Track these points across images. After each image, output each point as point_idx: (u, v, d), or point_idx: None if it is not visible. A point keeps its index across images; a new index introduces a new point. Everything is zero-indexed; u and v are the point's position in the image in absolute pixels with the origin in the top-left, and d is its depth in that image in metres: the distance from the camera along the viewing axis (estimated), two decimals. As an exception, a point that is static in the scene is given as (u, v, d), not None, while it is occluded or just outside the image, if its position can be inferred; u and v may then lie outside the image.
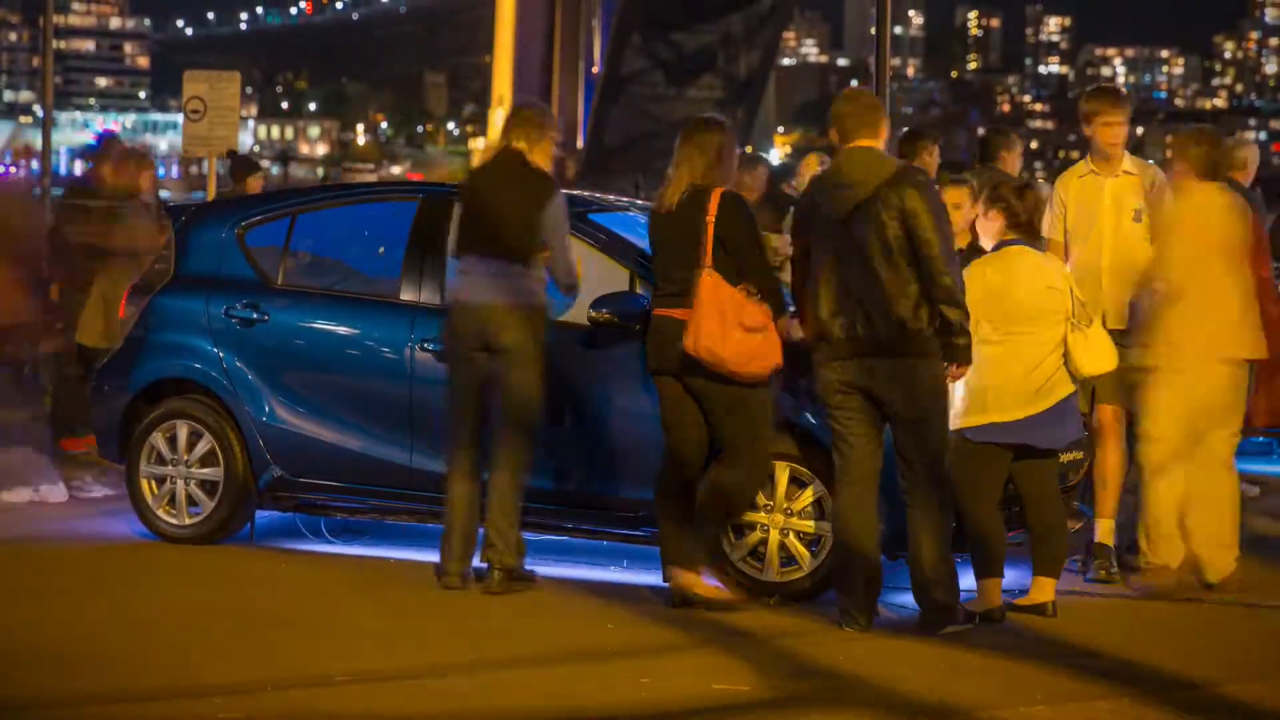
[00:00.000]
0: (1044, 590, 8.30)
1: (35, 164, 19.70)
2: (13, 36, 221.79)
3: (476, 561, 8.65)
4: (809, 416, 8.46)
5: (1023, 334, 8.22)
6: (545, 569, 9.05)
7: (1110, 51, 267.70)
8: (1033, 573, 8.36)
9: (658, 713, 6.63)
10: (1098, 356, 8.36)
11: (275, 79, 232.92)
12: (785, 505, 8.48)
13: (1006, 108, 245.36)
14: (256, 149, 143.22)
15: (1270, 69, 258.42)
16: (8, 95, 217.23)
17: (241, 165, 15.34)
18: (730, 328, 8.07)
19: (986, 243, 8.53)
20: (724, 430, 8.29)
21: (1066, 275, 8.47)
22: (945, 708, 6.65)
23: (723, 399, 8.23)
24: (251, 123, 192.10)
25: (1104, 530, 9.22)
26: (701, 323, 8.09)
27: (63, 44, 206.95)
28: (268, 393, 9.55)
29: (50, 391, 13.23)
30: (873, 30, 12.17)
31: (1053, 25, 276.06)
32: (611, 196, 10.64)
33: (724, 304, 8.10)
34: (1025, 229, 8.37)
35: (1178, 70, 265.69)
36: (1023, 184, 8.51)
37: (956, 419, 8.16)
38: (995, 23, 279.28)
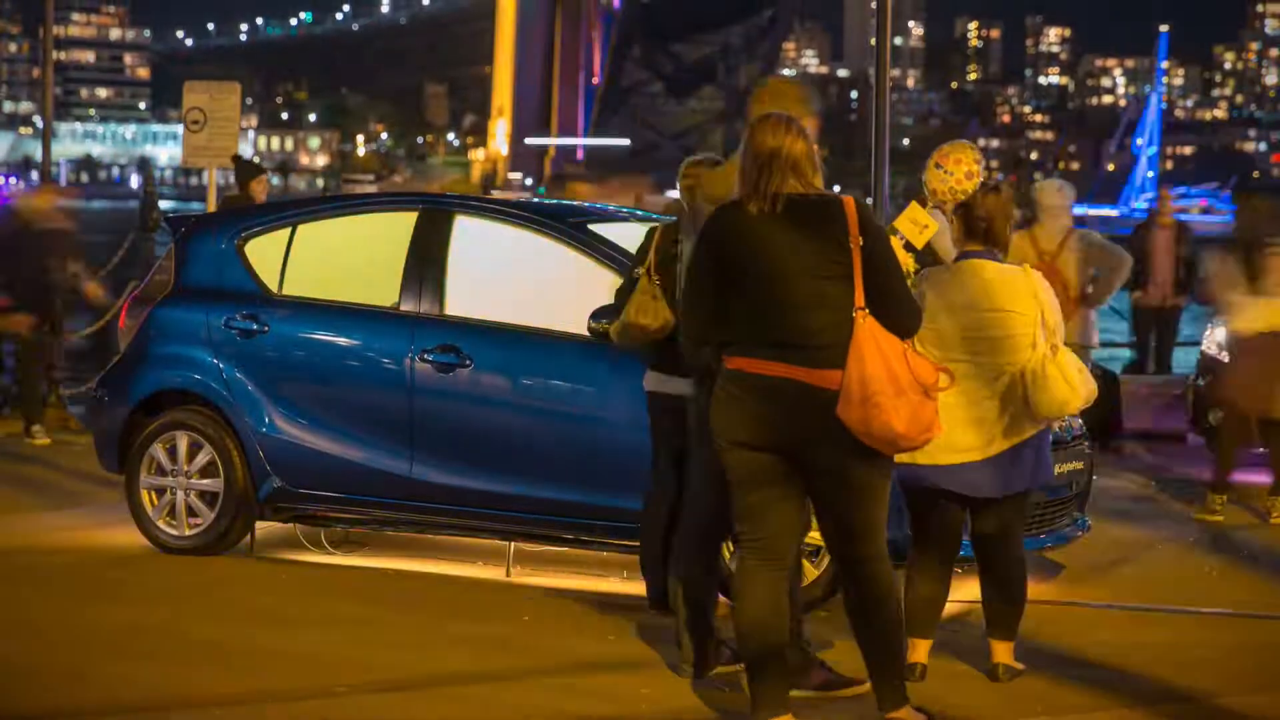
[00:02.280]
0: (999, 653, 7.29)
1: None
2: (13, 47, 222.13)
3: None
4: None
5: (967, 363, 6.97)
6: (545, 580, 9.05)
7: (1110, 62, 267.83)
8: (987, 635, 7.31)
9: (658, 724, 6.65)
10: (1057, 395, 6.95)
11: (275, 90, 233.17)
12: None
13: (1006, 118, 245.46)
14: (257, 160, 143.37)
15: (1270, 79, 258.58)
16: (8, 106, 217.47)
17: (245, 169, 15.38)
18: None
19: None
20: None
21: (1037, 294, 7.08)
22: (946, 719, 6.65)
23: None
24: (252, 133, 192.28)
25: None
26: None
27: (63, 55, 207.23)
28: (268, 403, 9.55)
29: None
30: (872, 41, 12.15)
31: (1052, 36, 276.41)
32: (611, 206, 10.65)
33: None
34: (984, 237, 7.16)
35: (1178, 81, 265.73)
36: (991, 185, 7.17)
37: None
38: (995, 34, 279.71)
